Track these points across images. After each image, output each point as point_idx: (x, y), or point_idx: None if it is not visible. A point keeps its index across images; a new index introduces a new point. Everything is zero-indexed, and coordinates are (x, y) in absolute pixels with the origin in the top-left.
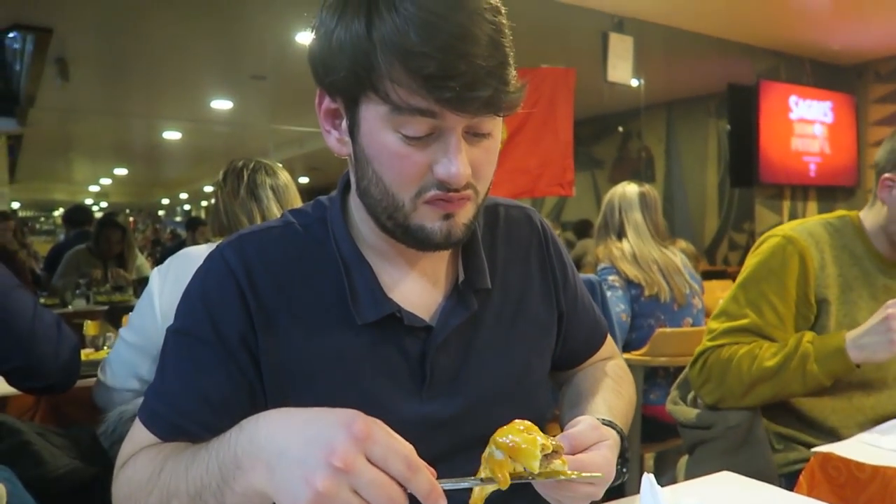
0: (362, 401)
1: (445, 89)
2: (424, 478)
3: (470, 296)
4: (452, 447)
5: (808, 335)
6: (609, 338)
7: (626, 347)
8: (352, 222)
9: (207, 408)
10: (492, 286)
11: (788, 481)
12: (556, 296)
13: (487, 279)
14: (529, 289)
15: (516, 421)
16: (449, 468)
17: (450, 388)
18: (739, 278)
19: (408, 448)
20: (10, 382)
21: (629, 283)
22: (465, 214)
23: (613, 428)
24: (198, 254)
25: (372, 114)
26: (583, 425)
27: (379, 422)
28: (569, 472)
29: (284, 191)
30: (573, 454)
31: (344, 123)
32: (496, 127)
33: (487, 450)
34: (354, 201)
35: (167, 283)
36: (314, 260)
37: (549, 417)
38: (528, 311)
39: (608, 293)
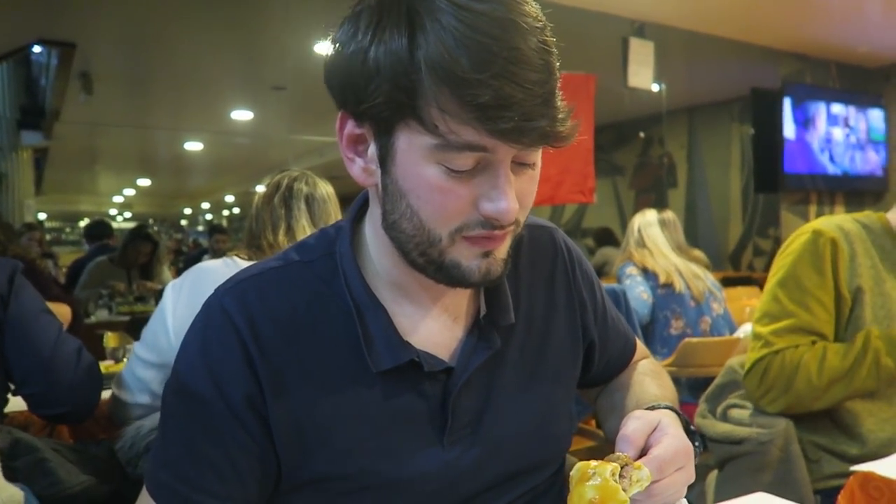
0: (381, 455)
1: (502, 120)
2: None
3: (492, 332)
4: (476, 491)
5: (875, 331)
6: (638, 342)
7: (648, 346)
8: (365, 254)
9: (214, 476)
10: (516, 319)
11: (825, 498)
12: (584, 320)
13: (511, 314)
14: (554, 317)
15: (573, 471)
16: None
17: (473, 431)
18: (775, 278)
19: None
20: (29, 408)
21: (646, 273)
22: (504, 249)
23: (663, 408)
24: (212, 268)
25: (411, 144)
26: (633, 422)
27: None
28: (649, 473)
29: (322, 204)
30: (640, 456)
31: (371, 150)
32: (539, 155)
33: None
34: (374, 231)
35: (181, 299)
36: (322, 304)
37: (567, 447)
38: (552, 343)
39: (627, 282)
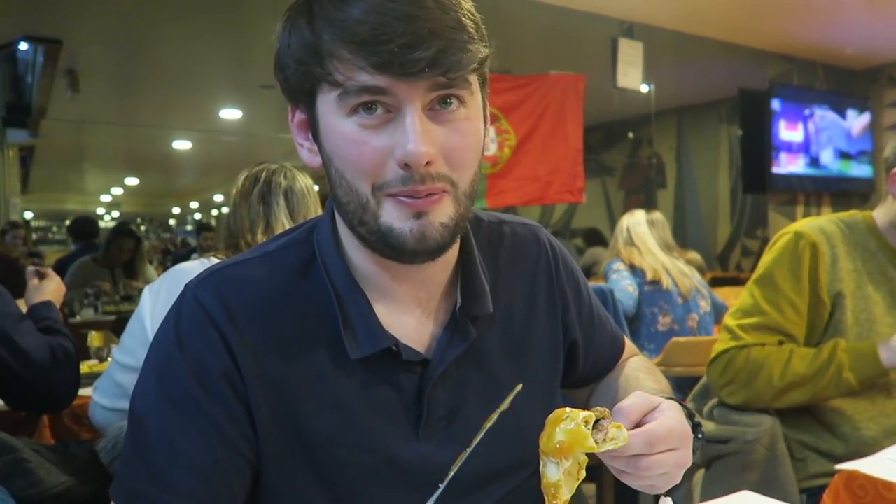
0: (359, 444)
1: (383, 53)
2: None
3: (467, 324)
4: (453, 485)
5: (842, 344)
6: (627, 341)
7: (635, 342)
8: (342, 251)
9: (196, 477)
10: (494, 311)
11: (810, 497)
12: (566, 319)
13: (488, 304)
14: (534, 316)
15: (550, 417)
16: None
17: (447, 425)
18: (755, 275)
19: None
20: (7, 403)
21: (633, 269)
22: (442, 212)
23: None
24: (189, 269)
25: (326, 105)
26: (633, 398)
27: None
28: (626, 435)
29: (300, 198)
30: (633, 428)
31: (311, 129)
32: (470, 107)
33: (542, 469)
34: (340, 222)
35: (159, 302)
36: (298, 292)
37: None
38: (531, 341)
39: (613, 276)
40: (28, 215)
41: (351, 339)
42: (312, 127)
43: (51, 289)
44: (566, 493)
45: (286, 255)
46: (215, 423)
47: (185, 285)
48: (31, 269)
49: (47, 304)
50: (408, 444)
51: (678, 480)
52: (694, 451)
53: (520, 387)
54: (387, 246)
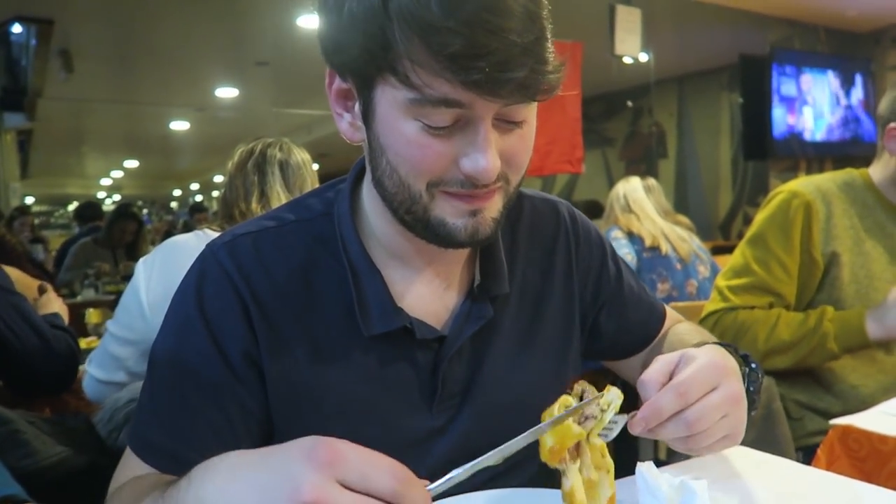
0: (369, 419)
1: (473, 70)
2: (418, 493)
3: (486, 302)
4: (464, 460)
5: (829, 312)
6: (671, 311)
7: None
8: (362, 217)
9: (210, 433)
10: (510, 290)
11: (806, 455)
12: (588, 293)
13: (506, 284)
14: (550, 290)
15: (545, 411)
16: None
17: (461, 400)
18: (747, 235)
19: (388, 461)
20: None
21: (631, 237)
22: (494, 207)
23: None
24: (183, 241)
25: (389, 98)
26: (652, 364)
27: (345, 441)
28: (619, 392)
29: (296, 171)
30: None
31: (357, 106)
32: (531, 113)
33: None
34: (370, 192)
35: (154, 274)
36: (317, 265)
37: None
38: (546, 316)
39: (612, 244)
40: (29, 200)
41: (365, 317)
42: (364, 110)
43: (57, 305)
44: (600, 493)
45: (308, 227)
46: (228, 383)
47: (208, 245)
48: (39, 285)
49: (55, 314)
50: (420, 417)
51: (744, 419)
52: (750, 384)
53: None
54: (433, 235)
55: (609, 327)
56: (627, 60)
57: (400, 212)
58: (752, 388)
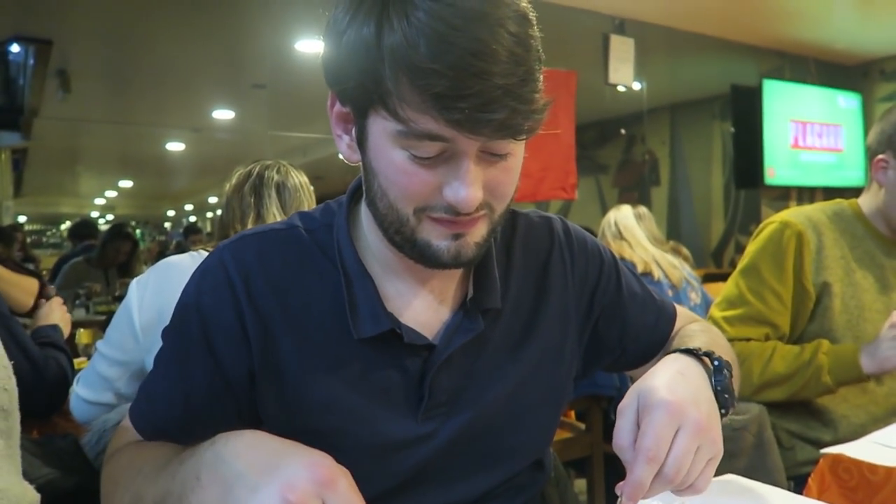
0: (353, 418)
1: (455, 110)
2: None
3: (477, 315)
4: (447, 469)
5: (825, 345)
6: (684, 311)
7: None
8: (359, 231)
9: (190, 415)
10: (503, 305)
11: (798, 484)
12: (579, 304)
13: (498, 299)
14: (544, 306)
15: None
16: (442, 494)
17: (448, 409)
18: (740, 265)
19: None
20: None
21: (622, 262)
22: (478, 233)
23: (680, 353)
24: (177, 262)
25: (380, 128)
26: (618, 419)
27: (347, 472)
28: None
29: (293, 193)
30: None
31: (354, 130)
32: (518, 146)
33: None
34: (366, 209)
35: (147, 295)
36: (315, 268)
37: (549, 439)
38: (538, 331)
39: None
40: (21, 219)
41: (355, 320)
42: (358, 133)
43: (59, 315)
44: None
45: (311, 234)
46: (214, 375)
47: (218, 245)
48: (47, 296)
49: (53, 326)
50: (406, 423)
51: (718, 433)
52: (717, 384)
53: None
54: (420, 256)
55: (611, 334)
56: (621, 89)
57: (390, 231)
58: (719, 388)
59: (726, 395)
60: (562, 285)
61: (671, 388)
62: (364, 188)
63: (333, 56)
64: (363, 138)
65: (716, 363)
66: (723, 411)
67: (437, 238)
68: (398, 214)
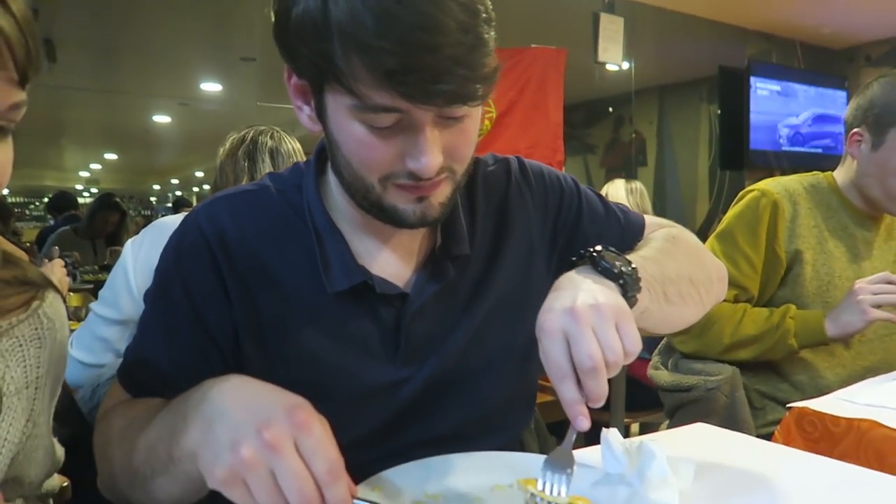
0: (334, 368)
1: (407, 84)
2: (342, 491)
3: (446, 263)
4: (425, 409)
5: (792, 310)
6: (655, 220)
7: None
8: (328, 191)
9: (175, 371)
10: (471, 250)
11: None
12: (543, 236)
13: (466, 245)
14: (505, 245)
15: None
16: (421, 430)
17: (423, 355)
18: (717, 229)
19: (337, 455)
20: None
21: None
22: (442, 194)
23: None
24: (171, 223)
25: (337, 103)
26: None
27: (324, 420)
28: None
29: (286, 159)
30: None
31: (314, 102)
32: (475, 108)
33: None
34: (335, 182)
35: (141, 254)
36: (288, 227)
37: (525, 384)
38: (501, 270)
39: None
40: (4, 192)
41: (328, 275)
42: (317, 105)
43: (59, 276)
44: None
45: (282, 194)
46: (197, 331)
47: (194, 208)
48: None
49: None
50: (383, 370)
51: (613, 305)
52: (605, 271)
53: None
54: (388, 218)
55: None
56: (611, 67)
57: (357, 197)
58: (599, 269)
59: (615, 272)
60: (524, 220)
61: (546, 310)
62: (329, 156)
63: (284, 31)
64: (322, 111)
65: (594, 254)
66: (623, 290)
67: (402, 202)
68: (363, 183)
